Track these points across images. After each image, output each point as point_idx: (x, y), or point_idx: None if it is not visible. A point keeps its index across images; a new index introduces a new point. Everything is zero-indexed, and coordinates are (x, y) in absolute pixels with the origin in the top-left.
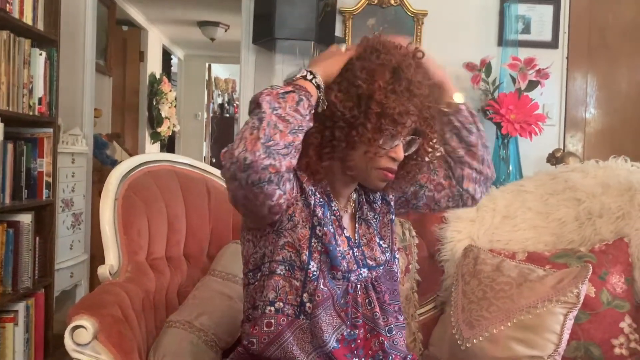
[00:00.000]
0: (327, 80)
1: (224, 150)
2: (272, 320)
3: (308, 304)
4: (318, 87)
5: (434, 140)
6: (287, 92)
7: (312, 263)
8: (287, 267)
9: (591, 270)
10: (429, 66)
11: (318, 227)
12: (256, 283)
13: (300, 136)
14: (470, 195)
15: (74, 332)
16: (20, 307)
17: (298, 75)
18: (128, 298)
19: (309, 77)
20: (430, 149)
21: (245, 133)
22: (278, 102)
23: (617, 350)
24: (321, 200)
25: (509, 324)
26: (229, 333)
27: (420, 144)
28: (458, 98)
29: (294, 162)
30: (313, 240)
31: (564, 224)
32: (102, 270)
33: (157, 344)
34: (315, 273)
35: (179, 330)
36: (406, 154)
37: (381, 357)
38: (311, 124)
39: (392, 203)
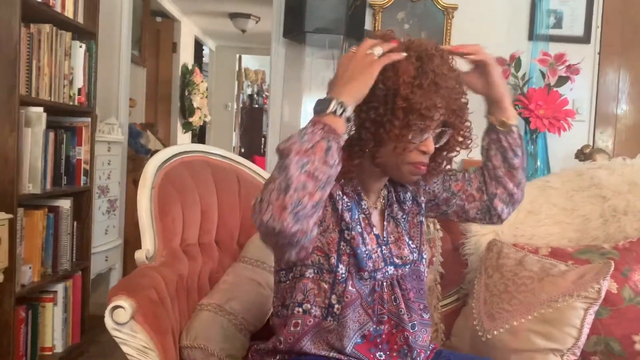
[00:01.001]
0: (358, 102)
1: (252, 205)
2: (300, 321)
3: (337, 306)
4: (348, 119)
5: (465, 131)
6: (316, 143)
7: (340, 266)
8: (315, 271)
9: (613, 266)
10: (494, 70)
11: (346, 231)
12: (287, 282)
13: (329, 189)
14: (498, 213)
15: (114, 311)
16: (60, 288)
17: (328, 111)
18: (163, 281)
19: (339, 111)
20: (461, 139)
21: (272, 196)
22: (307, 157)
23: (637, 347)
24: (349, 203)
25: (530, 317)
26: (257, 318)
27: (450, 135)
28: (513, 120)
29: (320, 214)
30: (342, 243)
31: (588, 220)
32: (139, 255)
33: (190, 326)
34: (343, 275)
35: (210, 314)
36: (437, 146)
37: (406, 352)
38: (339, 168)
39: (423, 205)
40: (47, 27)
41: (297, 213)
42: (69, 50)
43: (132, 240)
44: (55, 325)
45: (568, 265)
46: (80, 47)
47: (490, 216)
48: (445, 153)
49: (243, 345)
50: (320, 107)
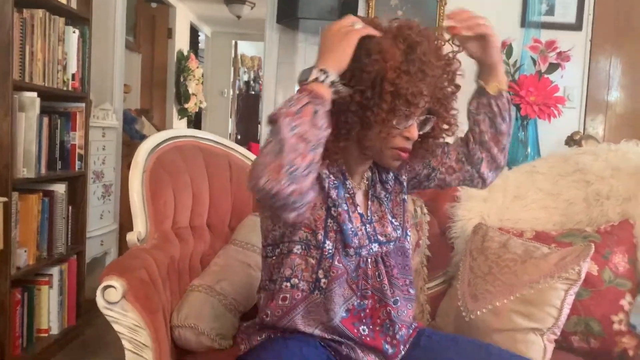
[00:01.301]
0: (340, 70)
1: (248, 172)
2: (288, 295)
3: (323, 280)
4: (332, 83)
5: (449, 120)
6: (302, 107)
7: (327, 242)
8: (303, 247)
9: (593, 249)
10: (495, 40)
11: (333, 208)
12: (274, 258)
13: (320, 149)
14: (483, 179)
15: (105, 291)
16: (55, 271)
17: (311, 78)
18: (154, 263)
19: (322, 78)
20: (445, 127)
21: (267, 159)
22: (295, 120)
23: (616, 327)
24: (335, 181)
25: (512, 298)
26: (247, 298)
27: (434, 123)
28: (504, 86)
29: (315, 174)
30: (329, 220)
31: (572, 205)
32: (131, 237)
33: (181, 306)
34: (330, 251)
35: (201, 294)
36: (421, 133)
37: (388, 326)
38: (329, 131)
39: (405, 184)
40: (40, 12)
41: (292, 174)
42: (62, 36)
43: (127, 225)
44: (51, 308)
45: (550, 248)
46: (74, 32)
47: (474, 183)
48: (430, 140)
49: (233, 324)
50: (305, 77)
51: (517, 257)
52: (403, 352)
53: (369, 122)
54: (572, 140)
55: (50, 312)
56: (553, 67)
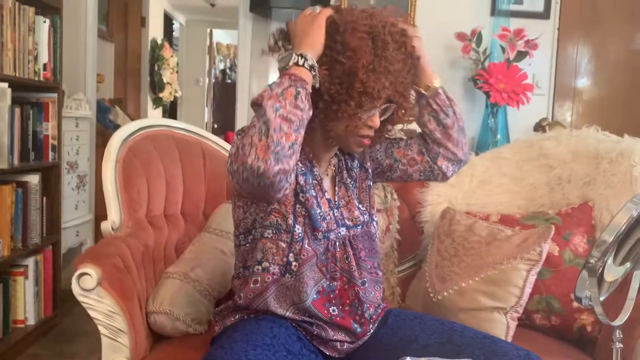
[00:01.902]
0: (317, 53)
1: (233, 152)
2: (259, 278)
3: (294, 263)
4: (311, 67)
5: (407, 106)
6: (284, 90)
7: (297, 226)
8: (274, 231)
9: (554, 230)
10: (416, 46)
11: (301, 194)
12: (247, 245)
13: (302, 131)
14: (442, 172)
15: (80, 278)
16: (30, 262)
17: (290, 63)
18: (129, 250)
19: (301, 62)
20: (404, 113)
21: (254, 139)
22: (279, 102)
23: (575, 304)
24: (303, 168)
25: (477, 279)
26: (221, 284)
27: (394, 110)
28: (437, 82)
29: (298, 156)
30: (297, 205)
31: (536, 188)
32: (105, 226)
33: (156, 292)
34: (300, 235)
35: (175, 281)
36: (381, 119)
37: (357, 305)
38: (311, 113)
39: (370, 171)
40: (9, 2)
41: (277, 153)
42: (32, 25)
43: (103, 215)
44: (27, 299)
45: (514, 231)
46: (44, 22)
47: (434, 176)
48: (388, 125)
49: (208, 310)
50: (284, 63)
51: (482, 239)
52: (371, 331)
53: (337, 116)
54: (539, 127)
55: (27, 302)
56: (521, 55)
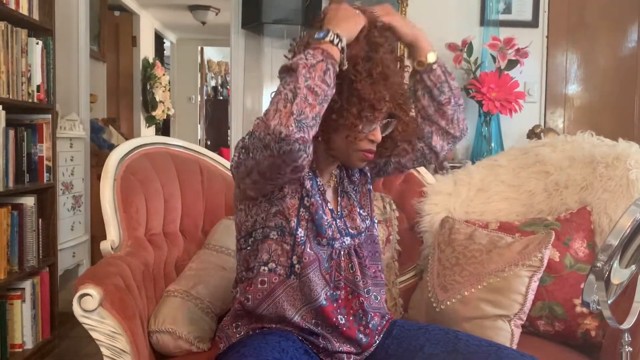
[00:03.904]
0: (349, 40)
1: (257, 120)
2: (266, 279)
3: (297, 265)
4: (343, 49)
5: (408, 121)
6: (317, 62)
7: (299, 230)
8: (278, 233)
9: (554, 236)
10: (401, 26)
11: (306, 198)
12: (249, 248)
13: (325, 105)
14: (434, 151)
15: (81, 299)
16: (27, 284)
17: (326, 39)
18: (129, 269)
19: (336, 41)
20: (405, 128)
21: (280, 105)
22: (310, 73)
23: (578, 309)
24: (309, 174)
25: (479, 287)
26: (223, 300)
27: (395, 125)
28: (431, 57)
29: (316, 130)
30: (301, 209)
31: (533, 195)
32: (104, 245)
33: (157, 311)
34: (302, 238)
35: (177, 299)
36: (383, 135)
37: (361, 315)
38: (334, 91)
39: (369, 174)
40: (1, 25)
41: (300, 121)
42: (25, 47)
43: (99, 235)
44: (24, 322)
45: (514, 237)
46: (37, 43)
47: (427, 159)
48: (390, 140)
49: (210, 327)
50: (319, 36)
51: (483, 247)
52: (377, 342)
53: (337, 126)
54: (533, 134)
55: (24, 326)
56: (512, 64)
